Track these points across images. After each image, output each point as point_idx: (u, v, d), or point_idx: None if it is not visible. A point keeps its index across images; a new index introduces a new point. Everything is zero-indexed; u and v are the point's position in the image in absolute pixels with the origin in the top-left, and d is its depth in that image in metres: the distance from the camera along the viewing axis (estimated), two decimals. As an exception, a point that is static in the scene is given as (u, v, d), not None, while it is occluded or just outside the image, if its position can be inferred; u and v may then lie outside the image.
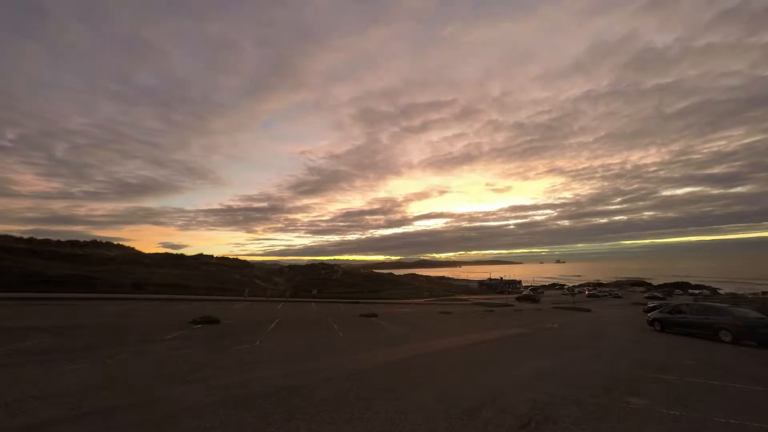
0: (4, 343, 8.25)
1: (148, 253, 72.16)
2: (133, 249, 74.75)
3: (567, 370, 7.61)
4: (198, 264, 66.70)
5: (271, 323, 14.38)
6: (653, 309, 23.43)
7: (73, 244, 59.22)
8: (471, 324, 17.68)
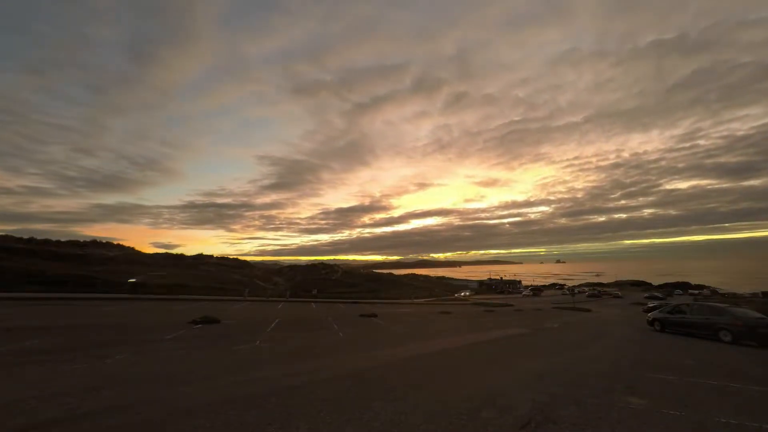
0: (4, 343, 8.25)
1: (148, 254, 72.25)
2: (132, 249, 74.83)
3: (567, 370, 7.61)
4: (197, 264, 66.71)
5: (271, 323, 14.38)
6: (653, 309, 23.46)
7: (73, 244, 59.28)
8: (471, 324, 17.68)
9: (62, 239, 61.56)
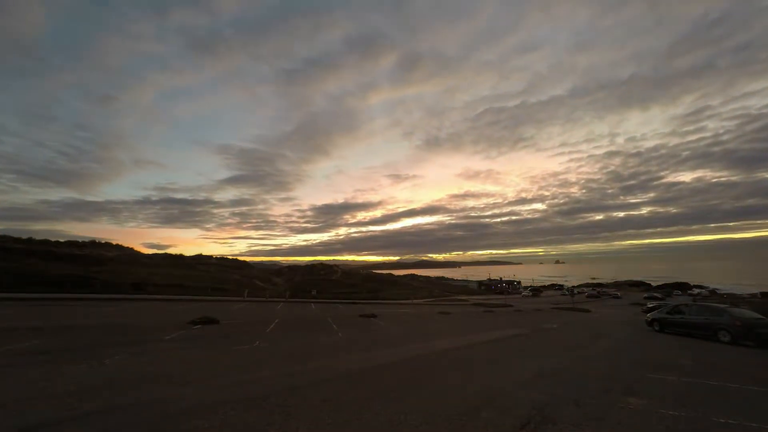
0: (2, 344, 8.23)
1: (147, 254, 72.19)
2: (131, 249, 74.71)
3: (566, 370, 7.62)
4: (196, 264, 66.62)
5: (271, 324, 14.37)
6: (652, 309, 23.49)
7: (72, 244, 59.18)
8: (470, 324, 17.69)
9: (61, 239, 61.49)
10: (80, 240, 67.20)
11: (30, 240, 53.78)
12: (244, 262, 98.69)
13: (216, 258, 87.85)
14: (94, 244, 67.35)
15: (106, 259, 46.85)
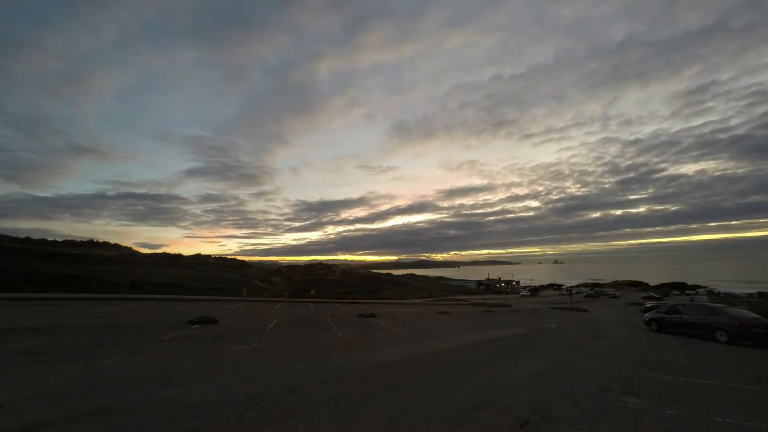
0: (0, 344, 8.20)
1: (146, 253, 72.08)
2: (130, 249, 74.58)
3: (565, 369, 7.64)
4: (195, 264, 66.51)
5: (270, 323, 14.35)
6: (650, 309, 23.58)
7: (70, 243, 59.03)
8: (469, 324, 17.72)
9: (58, 239, 61.36)
10: (78, 239, 67.07)
11: (27, 239, 53.63)
12: (243, 261, 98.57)
13: (214, 258, 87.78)
14: (92, 243, 67.23)
15: (104, 259, 46.73)
